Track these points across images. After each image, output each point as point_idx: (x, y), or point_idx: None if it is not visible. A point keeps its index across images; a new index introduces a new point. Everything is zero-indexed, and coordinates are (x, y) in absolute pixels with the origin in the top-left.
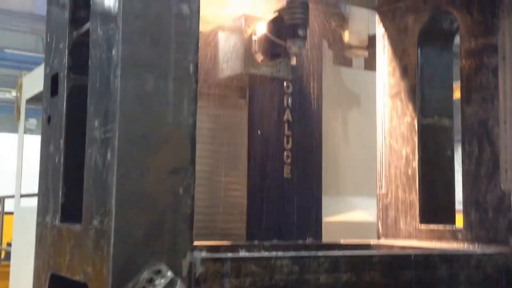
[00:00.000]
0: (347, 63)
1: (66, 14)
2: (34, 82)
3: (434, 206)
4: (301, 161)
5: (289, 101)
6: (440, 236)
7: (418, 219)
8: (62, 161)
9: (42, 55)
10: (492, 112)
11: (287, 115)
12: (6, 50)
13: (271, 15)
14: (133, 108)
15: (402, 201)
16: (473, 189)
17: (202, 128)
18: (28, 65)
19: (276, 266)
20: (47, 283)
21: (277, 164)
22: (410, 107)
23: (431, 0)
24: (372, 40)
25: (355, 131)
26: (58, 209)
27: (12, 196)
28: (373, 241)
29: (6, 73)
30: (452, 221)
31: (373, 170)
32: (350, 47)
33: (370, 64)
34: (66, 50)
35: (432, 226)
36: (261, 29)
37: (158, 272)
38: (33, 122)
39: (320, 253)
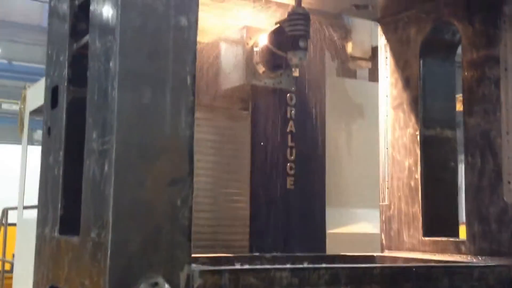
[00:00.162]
0: (352, 74)
1: (66, 27)
2: (37, 94)
3: (437, 218)
4: (305, 172)
5: (292, 112)
6: (443, 248)
7: (421, 231)
8: (61, 173)
9: None
10: (495, 124)
11: (291, 127)
12: (14, 62)
13: (273, 27)
14: (130, 119)
15: (405, 213)
16: (476, 201)
17: (204, 140)
18: (35, 76)
19: (275, 278)
20: None
21: (280, 175)
22: (413, 118)
23: (433, 12)
24: (375, 51)
25: (359, 142)
26: (57, 221)
27: (16, 208)
28: (376, 254)
29: (13, 84)
30: (456, 233)
31: (377, 181)
32: (353, 58)
33: (374, 75)
34: (66, 62)
35: (435, 238)
36: (262, 41)
37: (155, 284)
38: (40, 133)
39: (321, 266)
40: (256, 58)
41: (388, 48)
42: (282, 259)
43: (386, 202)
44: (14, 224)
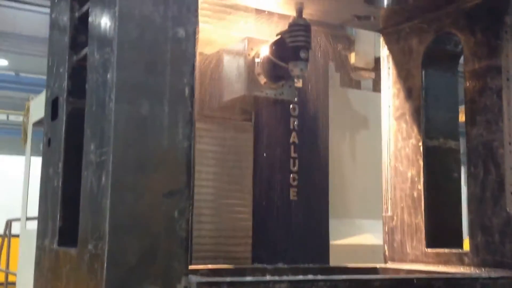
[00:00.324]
0: (356, 85)
1: (66, 39)
2: (41, 105)
3: (441, 230)
4: (308, 183)
5: (295, 123)
6: (446, 260)
7: (424, 242)
8: (60, 184)
9: None
10: (497, 134)
11: (294, 137)
12: (21, 74)
13: (274, 38)
14: (127, 131)
15: (408, 224)
16: (479, 212)
17: (207, 151)
18: (42, 88)
19: None
20: None
21: (283, 186)
22: (415, 129)
23: (435, 22)
24: (379, 62)
25: (363, 152)
26: (56, 233)
27: (19, 219)
28: (379, 265)
29: (20, 96)
30: (460, 244)
31: (381, 192)
32: (356, 69)
33: (378, 85)
34: (66, 74)
35: (439, 250)
36: (264, 52)
37: None
38: None
39: (319, 277)
40: (258, 69)
41: (390, 59)
42: (284, 271)
43: (389, 213)
44: (18, 236)
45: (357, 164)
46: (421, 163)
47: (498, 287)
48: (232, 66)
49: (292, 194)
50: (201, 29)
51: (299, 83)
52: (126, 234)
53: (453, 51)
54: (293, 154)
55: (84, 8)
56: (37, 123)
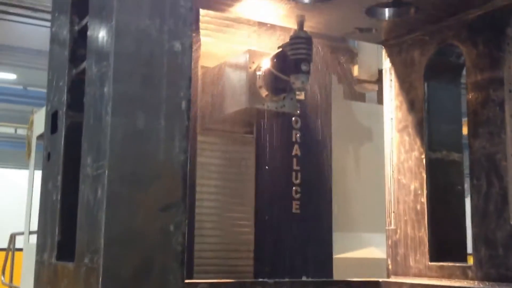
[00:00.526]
0: (361, 97)
1: (66, 52)
2: (44, 119)
3: (444, 243)
4: (310, 196)
5: (298, 136)
6: (450, 274)
7: (427, 256)
8: (59, 198)
9: None
10: (500, 146)
11: (296, 150)
12: (29, 88)
13: (275, 50)
14: (123, 145)
15: (411, 238)
16: (482, 225)
17: (208, 164)
18: None
19: None
20: None
21: (286, 199)
22: (418, 141)
23: (437, 34)
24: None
25: (367, 165)
26: (55, 247)
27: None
28: (382, 280)
29: (28, 110)
30: (464, 258)
31: (385, 205)
32: (359, 81)
33: (383, 98)
34: (65, 87)
35: (442, 264)
36: (265, 64)
37: None
38: None
39: None
40: (259, 81)
41: (392, 71)
42: (285, 285)
43: (392, 227)
44: (22, 250)
45: (361, 176)
46: (424, 175)
47: None
48: (234, 79)
49: (295, 207)
50: (203, 42)
51: (301, 96)
52: (122, 248)
53: (455, 63)
54: (295, 167)
55: (84, 22)
56: (41, 137)
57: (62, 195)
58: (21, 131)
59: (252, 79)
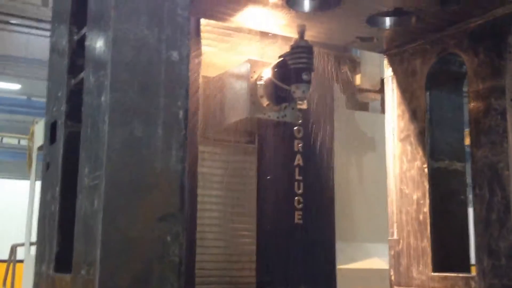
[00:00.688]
0: (364, 107)
1: (65, 62)
2: None
3: (447, 253)
4: (313, 206)
5: (300, 145)
6: (453, 284)
7: (430, 266)
8: (57, 209)
9: None
10: (502, 155)
11: (298, 160)
12: (33, 98)
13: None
14: (120, 154)
15: (414, 248)
16: (485, 235)
17: (210, 174)
18: None
19: None
20: None
21: (288, 209)
22: (420, 151)
23: (438, 43)
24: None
25: (371, 175)
26: (53, 258)
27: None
28: None
29: (31, 120)
30: (467, 268)
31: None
32: (362, 90)
33: None
34: (64, 97)
35: (445, 274)
36: (266, 74)
37: None
38: None
39: None
40: (260, 91)
41: (394, 80)
42: None
43: (395, 237)
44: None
45: (364, 186)
46: (427, 185)
47: None
48: (235, 89)
49: (297, 217)
50: (204, 51)
51: (303, 105)
52: (118, 259)
53: (457, 72)
54: (297, 177)
55: (82, 32)
56: (42, 147)
57: (61, 206)
58: (24, 142)
59: (253, 88)
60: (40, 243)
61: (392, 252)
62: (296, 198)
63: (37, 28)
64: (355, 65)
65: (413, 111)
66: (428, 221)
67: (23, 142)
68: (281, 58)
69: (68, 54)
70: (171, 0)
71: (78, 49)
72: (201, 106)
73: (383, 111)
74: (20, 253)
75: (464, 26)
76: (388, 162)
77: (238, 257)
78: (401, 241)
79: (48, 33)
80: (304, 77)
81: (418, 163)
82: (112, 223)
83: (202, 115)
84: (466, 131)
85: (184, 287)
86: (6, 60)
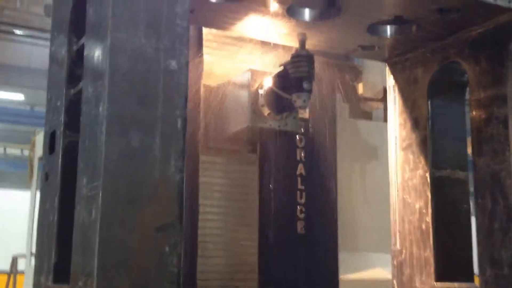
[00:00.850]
0: (367, 115)
1: (64, 72)
2: None
3: (450, 263)
4: (316, 216)
5: (302, 154)
6: None
7: (433, 276)
8: (56, 220)
9: None
10: (504, 164)
11: (300, 169)
12: (36, 108)
13: (277, 69)
14: (118, 164)
15: (417, 258)
16: (488, 245)
17: (211, 184)
18: None
19: None
20: None
21: (290, 219)
22: (422, 159)
23: (439, 52)
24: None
25: (374, 184)
26: (51, 269)
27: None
28: None
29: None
30: (470, 278)
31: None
32: (365, 99)
33: None
34: (63, 107)
35: (448, 284)
36: (267, 83)
37: None
38: None
39: None
40: (261, 100)
41: (396, 89)
42: None
43: (398, 247)
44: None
45: (368, 195)
46: (429, 194)
47: None
48: (236, 98)
49: (300, 227)
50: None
51: (304, 114)
52: (115, 270)
53: (459, 80)
54: (300, 186)
55: (81, 42)
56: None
57: (59, 217)
58: (28, 152)
59: (254, 97)
60: (39, 254)
61: (395, 262)
62: (298, 207)
63: (40, 38)
64: (357, 74)
65: (415, 120)
66: (430, 230)
67: (26, 153)
68: (282, 67)
69: (67, 64)
70: (170, 10)
71: (77, 59)
72: (202, 115)
73: (386, 119)
74: (22, 264)
75: (465, 34)
76: (390, 171)
77: (240, 267)
78: (403, 250)
79: None
80: (305, 86)
81: (420, 172)
82: (109, 234)
83: (203, 125)
84: (469, 139)
85: None
86: (10, 70)
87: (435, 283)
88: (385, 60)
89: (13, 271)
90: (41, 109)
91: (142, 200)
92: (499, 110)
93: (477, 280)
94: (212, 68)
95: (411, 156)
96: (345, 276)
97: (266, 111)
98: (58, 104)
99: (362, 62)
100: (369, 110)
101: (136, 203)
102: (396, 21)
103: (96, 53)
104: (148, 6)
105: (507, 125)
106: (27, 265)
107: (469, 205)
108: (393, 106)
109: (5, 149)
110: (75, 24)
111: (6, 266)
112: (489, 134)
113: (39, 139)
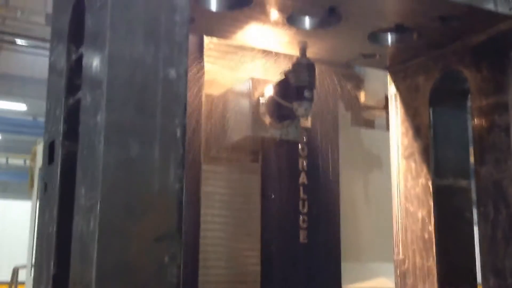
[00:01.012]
0: (370, 124)
1: (63, 82)
2: None
3: (453, 272)
4: (318, 225)
5: (305, 164)
6: None
7: (437, 286)
8: (55, 230)
9: None
10: (506, 173)
11: (303, 178)
12: (39, 118)
13: (278, 77)
14: (116, 174)
15: (420, 268)
16: (490, 254)
17: (213, 193)
18: None
19: None
20: None
21: (293, 228)
22: (424, 168)
23: (441, 60)
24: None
25: (377, 193)
26: (50, 281)
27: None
28: None
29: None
30: (474, 287)
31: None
32: (367, 108)
33: None
34: (62, 117)
35: None
36: (268, 92)
37: None
38: None
39: None
40: (262, 109)
41: (397, 97)
42: None
43: (401, 256)
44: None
45: (370, 205)
46: (431, 203)
47: None
48: (237, 107)
49: (302, 236)
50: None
51: (306, 123)
52: (114, 281)
53: (461, 88)
54: (302, 196)
55: (80, 51)
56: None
57: (58, 227)
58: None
59: (255, 106)
60: (38, 264)
61: (398, 272)
62: (301, 217)
63: (42, 48)
64: (359, 82)
65: (417, 128)
66: (433, 239)
67: (29, 163)
68: (283, 76)
69: (66, 73)
70: (169, 18)
71: (76, 68)
72: (204, 124)
73: (388, 128)
74: (23, 275)
75: (466, 42)
76: (393, 180)
77: (242, 277)
78: (406, 260)
79: None
80: (306, 94)
81: (422, 180)
82: (108, 244)
83: (205, 134)
84: (471, 148)
85: None
86: (13, 80)
87: None
88: (386, 68)
89: (14, 281)
90: (44, 119)
91: (141, 210)
92: (501, 118)
93: None
94: (213, 77)
95: (413, 165)
96: (348, 286)
97: (267, 119)
98: (57, 113)
99: (364, 70)
100: (371, 119)
101: (135, 213)
102: (397, 29)
103: (94, 62)
104: (147, 15)
105: (509, 133)
106: (27, 276)
107: (472, 213)
108: (395, 114)
109: (7, 159)
110: (74, 33)
111: (8, 277)
112: (491, 142)
113: (40, 149)
